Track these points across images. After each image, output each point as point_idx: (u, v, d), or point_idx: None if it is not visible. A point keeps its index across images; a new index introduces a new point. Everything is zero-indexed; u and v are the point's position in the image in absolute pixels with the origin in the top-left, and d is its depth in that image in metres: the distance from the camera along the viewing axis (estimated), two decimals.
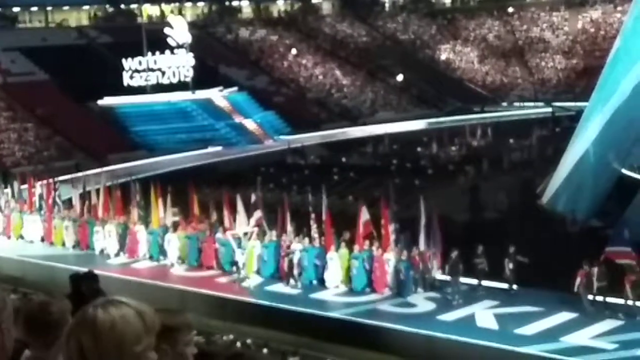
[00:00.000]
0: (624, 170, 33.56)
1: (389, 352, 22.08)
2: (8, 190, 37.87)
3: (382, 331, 22.93)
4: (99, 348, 2.44)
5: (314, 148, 57.48)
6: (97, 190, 34.33)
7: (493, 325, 22.63)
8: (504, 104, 76.66)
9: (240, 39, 79.80)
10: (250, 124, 63.77)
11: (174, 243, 29.76)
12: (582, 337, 21.30)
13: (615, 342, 20.90)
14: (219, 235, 28.98)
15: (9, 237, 35.33)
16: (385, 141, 57.20)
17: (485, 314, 23.36)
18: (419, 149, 54.48)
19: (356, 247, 25.92)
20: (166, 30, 66.43)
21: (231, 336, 22.58)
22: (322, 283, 26.24)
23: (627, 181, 32.69)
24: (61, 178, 39.64)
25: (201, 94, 65.13)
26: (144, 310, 2.53)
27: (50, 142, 57.02)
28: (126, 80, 64.25)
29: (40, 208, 35.69)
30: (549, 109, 65.77)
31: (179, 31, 66.68)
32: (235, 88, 68.00)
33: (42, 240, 34.28)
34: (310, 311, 24.64)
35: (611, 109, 33.33)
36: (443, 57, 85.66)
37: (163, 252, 30.15)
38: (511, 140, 53.75)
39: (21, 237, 34.93)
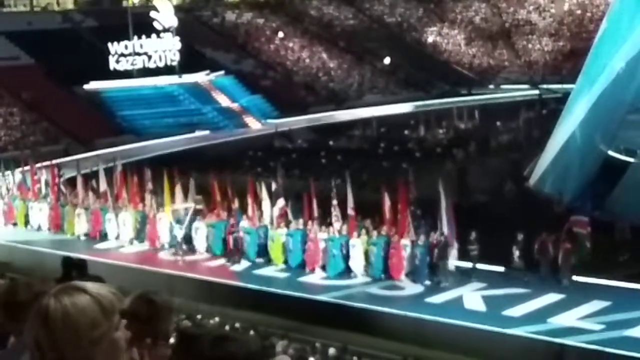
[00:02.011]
0: (610, 152, 33.65)
1: (378, 335, 22.10)
2: (9, 174, 36.27)
3: (371, 314, 22.96)
4: (52, 339, 2.39)
5: (302, 132, 57.41)
6: (106, 176, 33.05)
7: (481, 307, 22.71)
8: (491, 86, 76.77)
9: (226, 23, 79.45)
10: (237, 108, 63.63)
11: (202, 232, 28.65)
12: (569, 318, 21.41)
13: (602, 322, 21.00)
14: (243, 223, 28.08)
15: (14, 225, 34.22)
16: (372, 124, 57.16)
17: (473, 296, 23.43)
18: (406, 132, 54.52)
19: (374, 233, 25.40)
20: (152, 13, 66.16)
21: (217, 319, 22.59)
22: (348, 272, 25.56)
23: (614, 163, 32.78)
24: (63, 160, 39.04)
25: (188, 78, 64.91)
26: (101, 293, 2.46)
27: (37, 127, 56.71)
28: (112, 64, 63.99)
29: (46, 195, 34.24)
30: (536, 91, 65.93)
31: (164, 15, 66.41)
32: (222, 72, 67.74)
33: (49, 228, 33.07)
34: (298, 294, 24.64)
35: (598, 91, 33.34)
36: (430, 39, 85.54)
37: (189, 241, 28.95)
38: (498, 123, 53.84)
39: (26, 225, 33.76)
